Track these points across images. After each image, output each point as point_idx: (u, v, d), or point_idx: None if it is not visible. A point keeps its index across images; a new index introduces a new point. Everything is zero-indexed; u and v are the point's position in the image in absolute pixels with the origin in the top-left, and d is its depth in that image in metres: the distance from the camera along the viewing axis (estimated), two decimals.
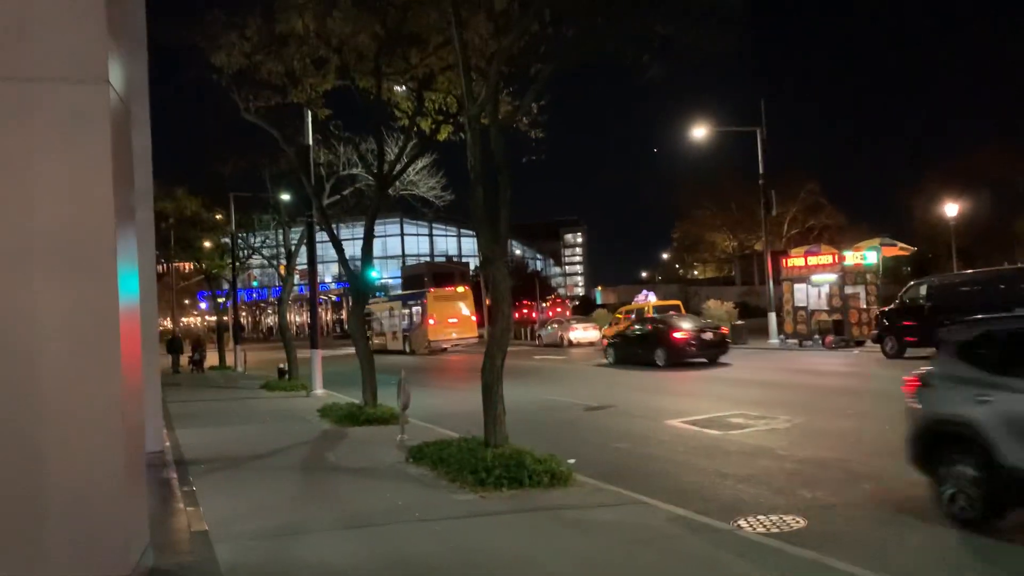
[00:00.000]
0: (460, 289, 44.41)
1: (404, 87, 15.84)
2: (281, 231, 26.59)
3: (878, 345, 22.29)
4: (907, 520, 6.86)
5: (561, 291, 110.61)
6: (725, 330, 25.08)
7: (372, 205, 15.32)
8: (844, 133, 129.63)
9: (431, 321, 39.92)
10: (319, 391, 19.60)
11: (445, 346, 40.14)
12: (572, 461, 9.89)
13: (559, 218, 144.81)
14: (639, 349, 24.17)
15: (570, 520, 6.86)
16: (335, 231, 16.88)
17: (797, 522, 6.88)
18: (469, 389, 20.33)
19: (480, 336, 41.68)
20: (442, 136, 16.18)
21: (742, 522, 6.91)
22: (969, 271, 23.93)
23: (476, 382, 22.62)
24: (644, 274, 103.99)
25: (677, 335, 23.01)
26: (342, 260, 15.58)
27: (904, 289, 21.96)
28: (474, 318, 42.14)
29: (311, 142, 19.79)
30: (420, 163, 22.01)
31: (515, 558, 5.81)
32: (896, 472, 8.41)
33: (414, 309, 41.76)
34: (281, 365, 23.74)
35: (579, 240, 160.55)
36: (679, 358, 22.76)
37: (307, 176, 18.82)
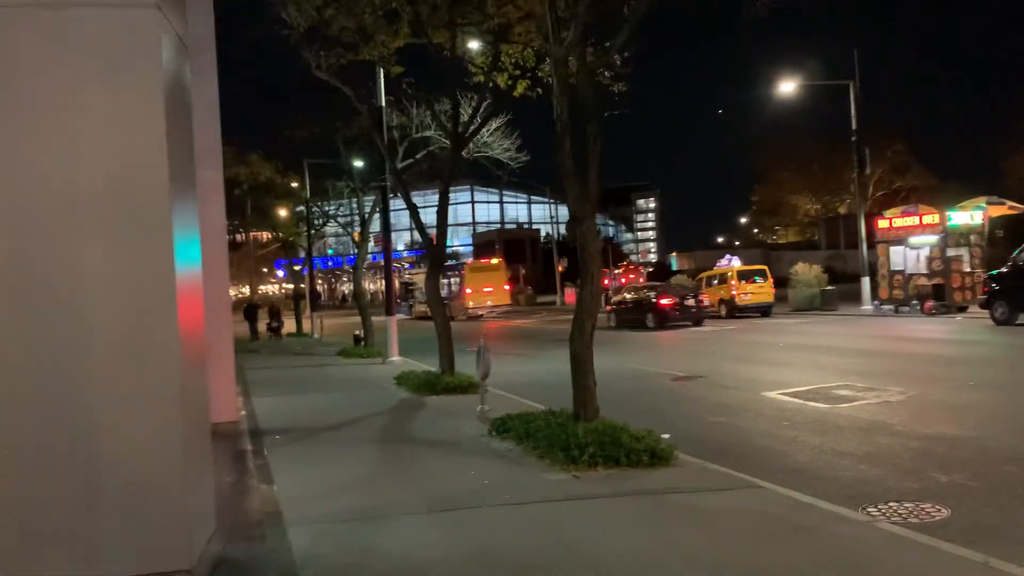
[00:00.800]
0: (494, 261, 50.05)
1: (479, 41, 15.11)
2: (355, 198, 26.25)
3: (985, 311, 20.69)
4: None
5: (634, 258, 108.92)
6: (705, 297, 28.77)
7: (447, 167, 14.67)
8: (934, 91, 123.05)
9: (468, 290, 44.44)
10: (395, 358, 19.24)
11: (481, 312, 44.10)
12: (667, 436, 9.12)
13: (631, 183, 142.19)
14: (634, 315, 28.47)
15: (679, 506, 6.11)
16: (411, 198, 16.35)
17: (939, 511, 5.99)
18: (540, 356, 19.82)
19: (511, 304, 47.25)
20: (519, 92, 15.40)
21: (873, 510, 6.06)
22: None
23: (544, 348, 22.28)
24: (720, 239, 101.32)
25: (663, 302, 27.30)
26: (418, 225, 15.02)
27: (1018, 250, 20.28)
28: (507, 287, 47.74)
29: (384, 102, 19.27)
30: (494, 123, 21.29)
31: (627, 554, 5.09)
32: None
33: (452, 280, 45.81)
34: (357, 332, 23.51)
35: (651, 205, 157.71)
36: (664, 322, 26.85)
37: (380, 138, 18.31)
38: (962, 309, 24.72)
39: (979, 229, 25.07)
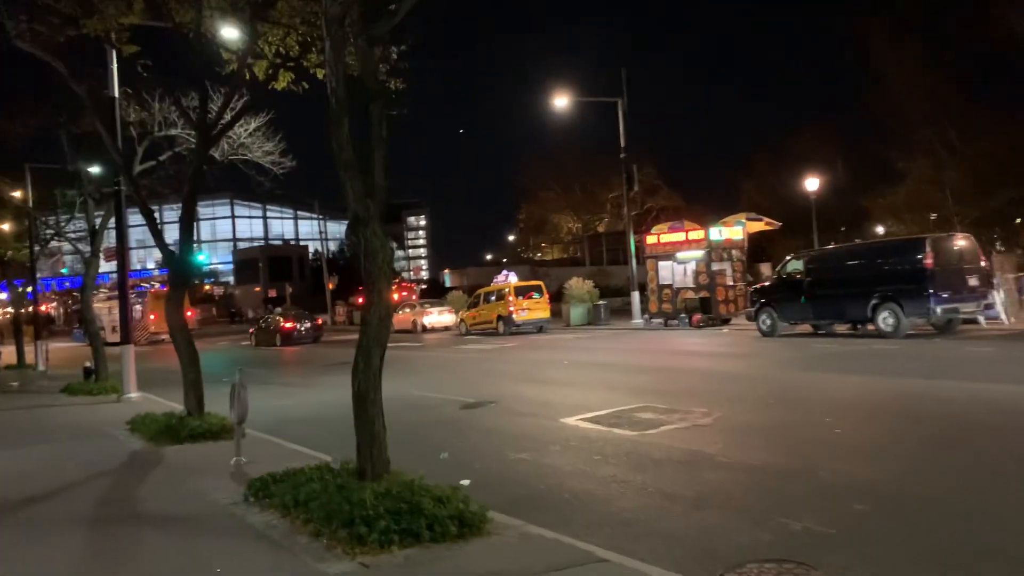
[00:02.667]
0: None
1: (233, 20, 12.89)
2: (86, 207, 22.43)
3: (751, 323, 21.39)
4: (950, 559, 5.08)
5: (406, 274, 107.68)
6: (320, 320, 38.76)
7: (193, 164, 12.30)
8: (675, 117, 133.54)
9: (152, 317, 46.06)
10: (133, 394, 16.24)
11: (163, 336, 43.88)
12: (466, 483, 7.65)
13: (400, 200, 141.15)
14: (267, 335, 36.48)
15: None
16: (148, 206, 13.68)
17: (808, 572, 4.95)
18: (312, 385, 17.64)
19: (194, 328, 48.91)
20: (281, 84, 13.34)
21: None
22: (848, 244, 23.64)
23: (316, 375, 20.08)
24: (489, 256, 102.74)
25: (287, 325, 36.02)
26: (157, 237, 12.47)
27: (781, 263, 21.19)
28: (189, 313, 48.52)
29: (117, 92, 16.27)
30: (254, 122, 18.88)
31: None
32: (886, 483, 6.74)
33: (135, 307, 45.92)
34: (88, 363, 19.91)
35: (422, 223, 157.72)
36: (287, 342, 34.89)
37: (110, 133, 15.31)
38: (726, 321, 25.68)
39: (740, 244, 26.25)
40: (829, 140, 50.87)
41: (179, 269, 11.99)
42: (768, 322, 20.31)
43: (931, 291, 16.74)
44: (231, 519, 6.51)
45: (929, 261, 16.76)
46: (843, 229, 49.23)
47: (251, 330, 40.06)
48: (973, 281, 17.17)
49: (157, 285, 53.58)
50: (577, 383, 15.11)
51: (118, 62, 16.08)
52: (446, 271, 79.11)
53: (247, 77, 12.90)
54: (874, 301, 17.60)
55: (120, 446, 10.66)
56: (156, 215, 13.30)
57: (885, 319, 17.49)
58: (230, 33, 13.37)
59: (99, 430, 12.23)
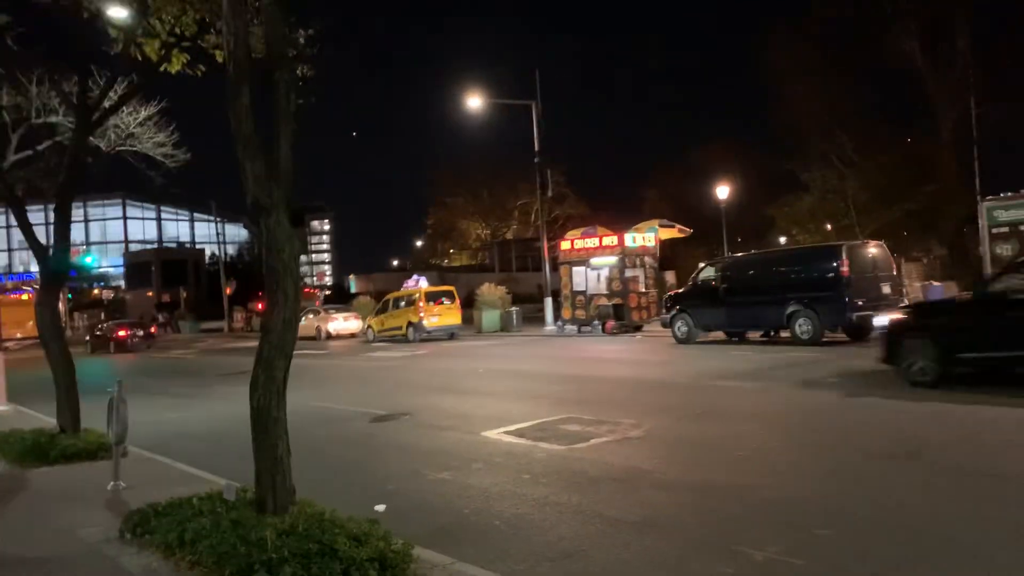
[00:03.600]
0: (24, 297, 51.95)
1: None
2: None
3: (665, 329, 21.15)
4: None
5: (308, 280, 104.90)
6: (154, 329, 42.31)
7: (71, 148, 10.98)
8: (578, 128, 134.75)
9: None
10: (1, 407, 14.63)
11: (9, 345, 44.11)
12: (381, 508, 6.87)
13: (303, 203, 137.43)
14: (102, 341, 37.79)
15: None
16: (16, 195, 12.22)
17: None
18: (204, 395, 16.24)
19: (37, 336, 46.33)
20: (175, 67, 12.08)
21: None
22: (763, 251, 23.72)
23: (208, 385, 18.65)
24: (396, 262, 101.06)
25: (120, 333, 37.90)
26: (24, 228, 11.04)
27: (697, 270, 21.02)
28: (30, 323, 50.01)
29: None
30: (144, 111, 17.42)
31: None
32: (837, 502, 6.22)
33: None
34: None
35: (326, 227, 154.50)
36: (120, 349, 36.42)
37: None
38: (638, 328, 25.46)
39: (652, 251, 26.11)
40: (731, 152, 52.17)
41: (52, 267, 10.61)
42: (684, 329, 20.08)
43: (847, 298, 16.78)
44: (102, 562, 5.44)
45: (845, 268, 16.80)
46: (739, 240, 50.44)
47: (87, 337, 40.65)
48: (886, 289, 17.32)
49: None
50: (495, 393, 14.36)
51: None
52: (351, 277, 77.16)
53: (138, 57, 11.65)
54: (790, 308, 17.56)
55: None
56: (41, 215, 11.83)
57: (801, 326, 17.46)
58: (117, 12, 12.09)
59: None
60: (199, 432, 12.01)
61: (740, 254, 21.30)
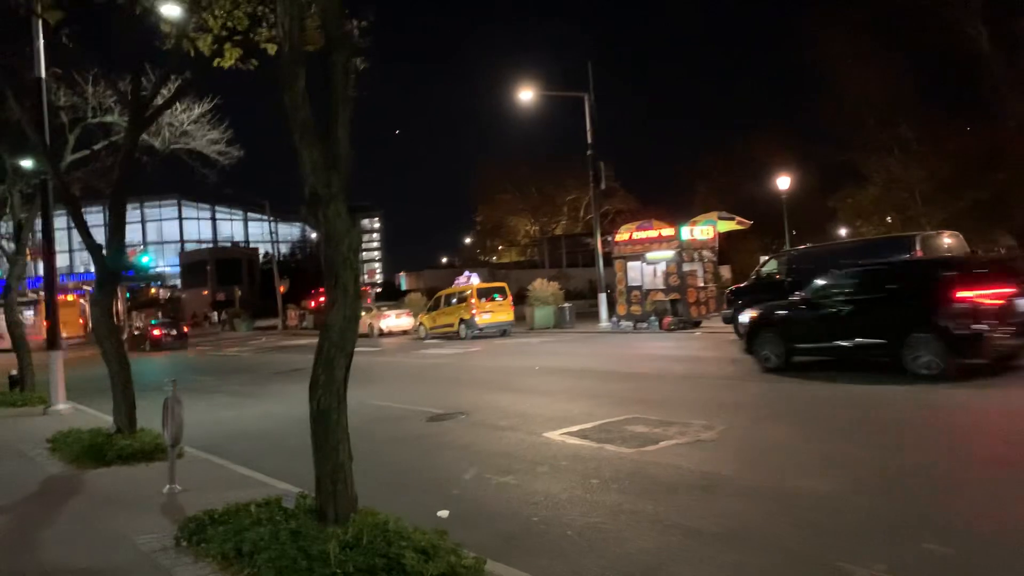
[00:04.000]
0: (69, 298, 52.81)
1: None
2: (10, 201, 20.61)
3: (726, 326, 20.46)
4: None
5: (363, 279, 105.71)
6: (186, 328, 41.67)
7: (124, 143, 10.87)
8: (627, 121, 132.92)
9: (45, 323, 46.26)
10: (61, 406, 14.65)
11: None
12: (445, 514, 6.52)
13: (353, 203, 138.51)
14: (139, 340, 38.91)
15: None
16: (74, 195, 12.15)
17: None
18: (261, 394, 16.07)
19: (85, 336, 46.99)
20: (228, 62, 11.91)
21: None
22: (831, 242, 22.88)
23: (265, 383, 18.55)
24: (444, 259, 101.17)
25: (155, 332, 38.88)
26: (80, 228, 10.95)
27: (760, 263, 20.31)
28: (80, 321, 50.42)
29: (44, 72, 14.67)
30: (198, 108, 17.39)
31: None
32: (948, 515, 5.58)
33: (26, 313, 45.77)
34: (13, 372, 18.15)
35: (376, 225, 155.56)
36: (156, 348, 37.45)
37: (36, 119, 13.71)
38: (697, 324, 24.78)
39: (711, 244, 25.38)
40: (784, 143, 50.77)
41: (107, 267, 10.49)
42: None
43: None
44: (156, 573, 5.17)
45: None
46: (794, 232, 49.03)
47: (124, 336, 40.25)
48: None
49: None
50: (553, 391, 13.94)
51: (44, 38, 14.54)
52: (401, 274, 77.44)
53: (191, 53, 11.50)
54: None
55: (35, 469, 9.18)
56: (100, 216, 11.76)
57: None
58: (170, 9, 11.97)
59: (15, 448, 10.69)
60: (255, 431, 11.84)
61: (807, 246, 20.47)
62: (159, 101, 11.83)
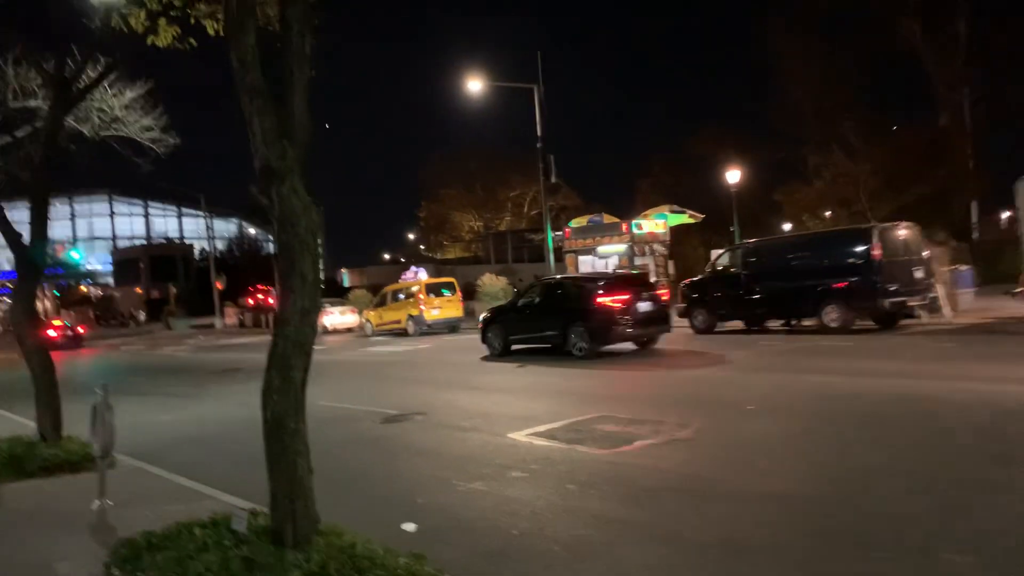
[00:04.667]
0: None
1: None
2: None
3: (683, 319, 20.16)
4: None
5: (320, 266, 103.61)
6: (83, 328, 41.01)
7: (46, 124, 9.94)
8: (574, 117, 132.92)
9: None
10: None
11: None
12: (412, 528, 5.94)
13: None
14: None
15: None
16: None
17: None
18: (199, 395, 15.08)
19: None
20: (162, 40, 11.02)
21: None
22: (787, 235, 22.78)
23: (203, 384, 17.55)
24: (387, 256, 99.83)
25: (51, 333, 34.57)
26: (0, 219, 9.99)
27: (716, 256, 20.08)
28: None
29: None
30: (129, 92, 16.25)
31: None
32: (951, 517, 5.13)
33: None
34: None
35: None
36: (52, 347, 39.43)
37: None
38: None
39: (663, 238, 25.12)
40: (727, 140, 51.08)
41: (28, 260, 9.54)
42: (702, 319, 19.12)
43: (879, 283, 15.86)
44: None
45: (877, 252, 15.86)
46: (731, 229, 49.39)
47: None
48: (919, 273, 16.40)
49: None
50: (511, 389, 13.37)
51: None
52: (343, 270, 75.98)
53: (122, 30, 10.58)
54: (818, 295, 16.62)
55: None
56: (27, 213, 10.70)
57: (829, 313, 16.52)
58: None
59: None
60: (193, 435, 11.00)
61: (762, 239, 20.33)
62: (87, 81, 10.87)
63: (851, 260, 16.37)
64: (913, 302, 16.14)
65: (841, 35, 36.64)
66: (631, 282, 16.82)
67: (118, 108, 16.39)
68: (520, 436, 9.06)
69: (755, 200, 44.88)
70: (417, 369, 17.75)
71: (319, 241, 4.75)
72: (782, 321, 18.63)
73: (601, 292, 15.85)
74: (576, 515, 6.02)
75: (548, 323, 16.70)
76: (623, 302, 15.79)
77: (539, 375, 14.79)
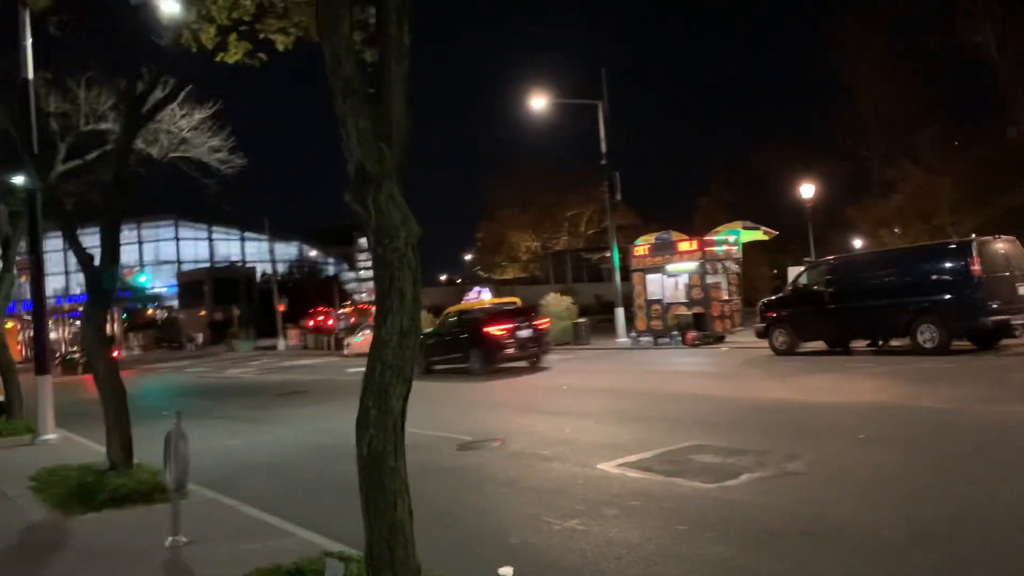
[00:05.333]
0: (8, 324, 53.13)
1: None
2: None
3: (759, 340, 19.26)
4: None
5: (361, 296, 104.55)
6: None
7: (116, 146, 9.72)
8: (627, 136, 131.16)
9: None
10: (51, 435, 13.38)
11: None
12: (509, 573, 5.30)
13: (351, 221, 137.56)
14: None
15: None
16: (64, 207, 11.03)
17: None
18: (267, 419, 14.65)
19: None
20: (233, 56, 10.77)
21: None
22: (877, 250, 21.76)
23: (270, 407, 17.29)
24: (443, 276, 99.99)
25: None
26: (71, 240, 9.78)
27: (798, 273, 19.16)
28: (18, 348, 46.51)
29: (31, 73, 13.54)
30: (198, 113, 16.22)
31: None
32: None
33: None
34: (0, 398, 16.88)
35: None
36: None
37: (24, 125, 12.54)
38: (721, 339, 23.57)
39: (735, 255, 24.22)
40: (788, 156, 49.80)
41: (100, 280, 9.29)
42: (783, 339, 18.18)
43: (979, 300, 14.79)
44: None
45: (977, 267, 14.81)
46: (793, 247, 47.90)
47: (56, 362, 37.79)
48: (1022, 289, 15.27)
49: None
50: (591, 413, 12.67)
51: (33, 35, 13.43)
52: None
53: (192, 48, 10.36)
54: (911, 314, 15.59)
55: (15, 515, 7.93)
56: (97, 237, 10.54)
57: (923, 333, 15.47)
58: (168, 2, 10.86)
59: None
60: (266, 462, 10.60)
61: (847, 254, 19.29)
62: (158, 96, 10.67)
63: (948, 276, 15.33)
64: (1018, 320, 15.01)
65: (912, 44, 35.56)
66: (512, 313, 20.88)
67: (186, 129, 16.38)
68: (610, 467, 8.43)
69: (820, 216, 43.53)
70: (487, 392, 17.15)
71: (417, 253, 4.23)
72: (869, 341, 17.62)
73: (488, 323, 19.67)
74: (694, 562, 5.36)
75: (456, 349, 20.29)
76: (506, 330, 19.50)
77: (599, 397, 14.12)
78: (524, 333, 19.82)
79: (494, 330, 19.51)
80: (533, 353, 20.18)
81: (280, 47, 10.21)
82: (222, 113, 16.74)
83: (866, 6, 37.16)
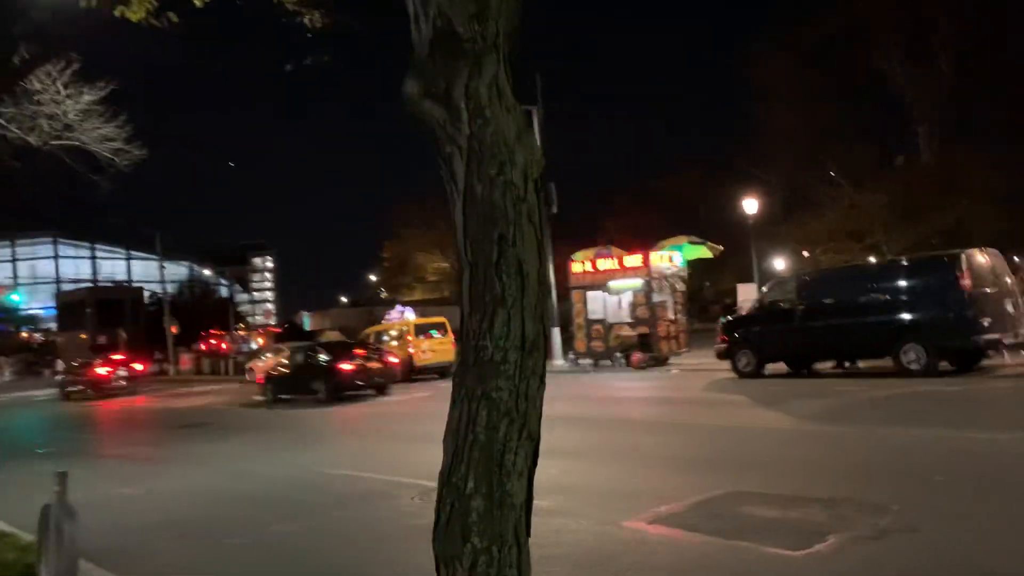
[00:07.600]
0: None
1: None
2: None
3: (721, 361, 17.86)
4: None
5: (256, 318, 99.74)
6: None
7: None
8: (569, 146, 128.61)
9: None
10: None
11: None
12: None
13: (245, 242, 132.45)
14: None
15: None
16: None
17: None
18: (172, 459, 11.84)
19: None
20: (136, 15, 8.47)
21: None
22: (853, 264, 20.75)
23: (173, 443, 14.35)
24: (344, 298, 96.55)
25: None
26: None
27: (766, 289, 17.89)
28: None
29: None
30: (87, 94, 13.62)
31: None
32: None
33: None
34: None
35: (268, 264, 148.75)
36: None
37: None
38: (666, 361, 22.15)
39: (682, 273, 22.88)
40: (697, 179, 49.74)
41: None
42: (746, 361, 16.79)
43: (969, 318, 13.76)
44: None
45: (967, 281, 13.78)
46: (722, 265, 48.01)
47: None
48: (1009, 306, 14.36)
49: None
50: (579, 451, 10.30)
51: None
52: (304, 313, 72.57)
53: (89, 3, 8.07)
54: (893, 332, 14.44)
55: None
56: None
57: (908, 353, 14.32)
58: None
59: None
60: (177, 520, 8.20)
61: (824, 268, 18.11)
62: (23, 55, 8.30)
63: (934, 292, 14.28)
64: (1008, 340, 14.05)
65: (824, 68, 36.14)
66: (356, 348, 22.55)
67: (72, 113, 13.76)
68: (641, 524, 6.64)
69: (745, 235, 43.43)
70: (430, 422, 15.00)
71: (543, 198, 2.30)
72: (839, 363, 16.51)
73: (333, 359, 20.92)
74: None
75: (307, 381, 20.92)
76: (352, 365, 20.72)
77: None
78: (371, 365, 21.14)
79: (339, 365, 20.67)
80: (380, 383, 21.07)
81: (199, 3, 8.10)
82: (118, 95, 14.17)
83: (781, 30, 37.81)
